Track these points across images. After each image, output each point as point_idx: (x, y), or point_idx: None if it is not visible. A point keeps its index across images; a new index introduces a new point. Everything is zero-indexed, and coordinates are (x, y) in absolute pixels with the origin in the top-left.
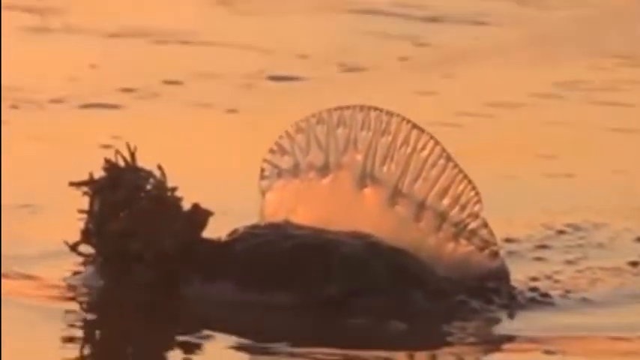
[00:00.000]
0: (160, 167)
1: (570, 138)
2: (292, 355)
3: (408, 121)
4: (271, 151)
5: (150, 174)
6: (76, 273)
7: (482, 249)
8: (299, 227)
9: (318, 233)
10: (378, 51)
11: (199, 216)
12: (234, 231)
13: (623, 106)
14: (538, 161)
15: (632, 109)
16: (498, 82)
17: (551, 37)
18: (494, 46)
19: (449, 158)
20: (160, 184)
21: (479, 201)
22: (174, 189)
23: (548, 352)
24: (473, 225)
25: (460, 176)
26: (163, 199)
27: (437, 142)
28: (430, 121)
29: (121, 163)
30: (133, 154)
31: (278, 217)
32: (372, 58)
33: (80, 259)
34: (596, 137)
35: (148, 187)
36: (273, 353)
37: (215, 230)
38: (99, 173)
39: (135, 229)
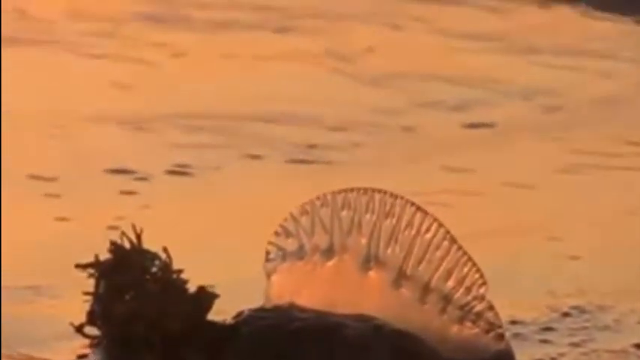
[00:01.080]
0: (165, 249)
1: (575, 219)
2: None
3: (412, 204)
4: (276, 233)
5: (155, 256)
6: (82, 356)
7: (487, 331)
8: (303, 310)
9: (322, 316)
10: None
11: (205, 298)
12: (240, 313)
13: (626, 187)
14: (543, 242)
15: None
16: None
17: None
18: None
19: (453, 240)
20: (166, 267)
21: (484, 283)
22: (179, 271)
23: None
24: (478, 307)
25: (464, 258)
26: (169, 281)
27: (441, 224)
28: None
29: (127, 245)
30: (138, 236)
31: (283, 300)
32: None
33: (87, 342)
34: (601, 219)
35: (154, 269)
36: None
37: (221, 312)
38: (105, 255)
39: (140, 312)
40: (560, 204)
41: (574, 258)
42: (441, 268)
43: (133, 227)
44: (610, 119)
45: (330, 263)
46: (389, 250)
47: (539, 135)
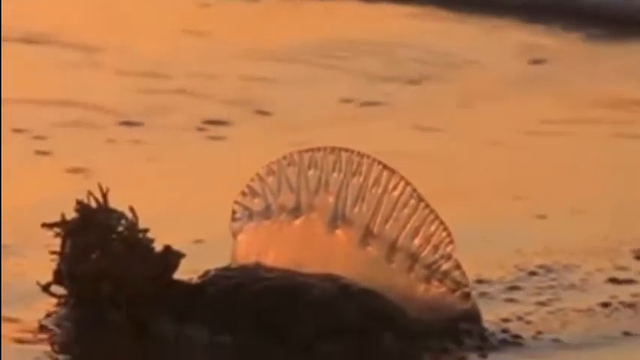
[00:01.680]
0: (131, 209)
1: (543, 178)
2: None
3: (379, 162)
4: (242, 193)
5: (122, 215)
6: (49, 314)
7: (454, 290)
8: (270, 270)
9: (289, 276)
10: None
11: (171, 258)
12: (206, 273)
13: (595, 147)
14: (510, 202)
15: (605, 150)
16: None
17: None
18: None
19: (420, 199)
20: (132, 226)
21: (451, 242)
22: (145, 230)
23: None
24: (445, 266)
25: (432, 217)
26: (135, 240)
27: (408, 183)
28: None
29: (93, 205)
30: (104, 195)
31: (250, 259)
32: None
33: (54, 301)
34: (568, 178)
35: (120, 228)
36: None
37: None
38: (71, 214)
39: (106, 271)
40: (527, 164)
41: (541, 217)
42: (408, 227)
43: (100, 186)
44: (573, 82)
45: (297, 222)
46: (356, 209)
47: (505, 97)
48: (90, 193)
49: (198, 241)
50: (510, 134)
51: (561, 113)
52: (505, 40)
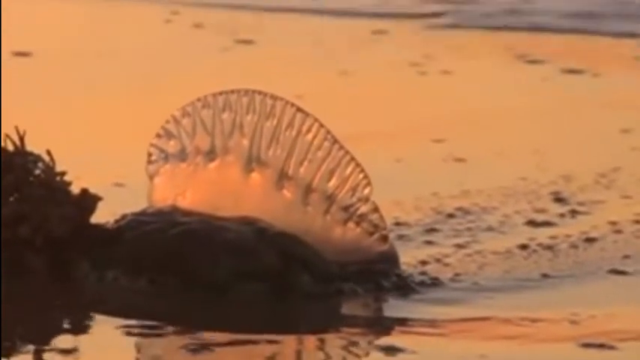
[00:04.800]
0: (48, 152)
1: (460, 121)
2: (179, 335)
3: (293, 105)
4: (158, 135)
5: (38, 158)
6: None
7: (371, 233)
8: (186, 213)
9: (206, 220)
10: None
11: (88, 201)
12: (123, 217)
13: (513, 91)
14: (428, 145)
15: (523, 93)
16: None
17: None
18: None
19: (334, 141)
20: (49, 169)
21: (368, 184)
22: (63, 173)
23: (437, 335)
24: (363, 209)
25: (347, 158)
26: (52, 183)
27: (321, 125)
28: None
29: (10, 148)
30: (21, 139)
31: (166, 202)
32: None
33: None
34: (486, 121)
35: (37, 171)
36: (160, 335)
37: (105, 214)
38: None
39: (24, 214)
40: (446, 106)
41: (459, 160)
42: (323, 169)
43: (16, 129)
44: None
45: (213, 165)
46: (270, 152)
47: (420, 36)
48: (7, 136)
49: (116, 184)
50: (430, 75)
51: (482, 57)
52: None
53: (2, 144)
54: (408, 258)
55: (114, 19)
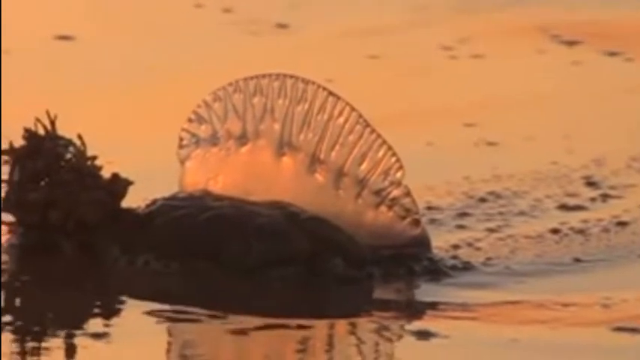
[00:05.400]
0: (79, 136)
1: (492, 105)
2: (210, 320)
3: (324, 89)
4: (189, 119)
5: (69, 142)
6: None
7: (403, 217)
8: (217, 198)
9: (237, 204)
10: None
11: (119, 185)
12: (153, 202)
13: (545, 75)
14: (460, 129)
15: (555, 77)
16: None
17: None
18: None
19: (366, 124)
20: (80, 153)
21: (400, 167)
22: (94, 158)
23: (469, 319)
24: (395, 193)
25: (379, 142)
26: (83, 168)
27: (353, 109)
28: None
29: (41, 132)
30: (52, 123)
31: (197, 186)
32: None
33: (3, 228)
34: (518, 105)
35: (68, 155)
36: (191, 320)
37: (136, 198)
38: (19, 142)
39: (55, 199)
40: (478, 90)
41: (491, 144)
42: (355, 152)
43: (47, 113)
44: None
45: (244, 149)
46: (302, 136)
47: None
48: (38, 120)
49: (147, 169)
50: (461, 59)
51: (513, 41)
52: None
53: (33, 128)
54: (440, 242)
55: (144, 2)
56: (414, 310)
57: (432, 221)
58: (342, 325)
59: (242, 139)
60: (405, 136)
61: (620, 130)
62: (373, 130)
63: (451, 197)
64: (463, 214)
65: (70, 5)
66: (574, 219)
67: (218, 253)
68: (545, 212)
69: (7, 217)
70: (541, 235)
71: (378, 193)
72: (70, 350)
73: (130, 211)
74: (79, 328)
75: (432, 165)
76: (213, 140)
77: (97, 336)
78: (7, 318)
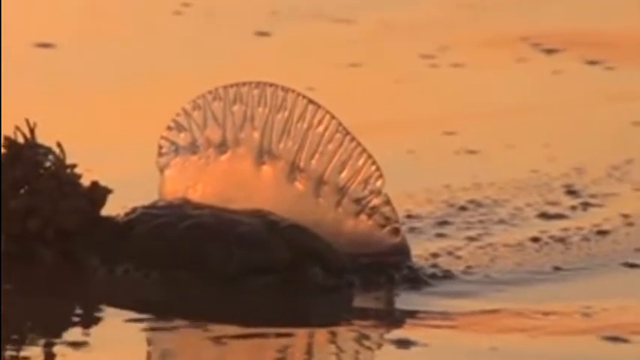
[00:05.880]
0: (58, 144)
1: (472, 114)
2: (190, 329)
3: (304, 97)
4: (168, 127)
5: (49, 150)
6: None
7: (383, 226)
8: (197, 206)
9: (217, 213)
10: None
11: (98, 193)
12: (133, 210)
13: (525, 83)
14: (440, 137)
15: (535, 85)
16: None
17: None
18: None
19: (346, 132)
20: (59, 161)
21: (380, 176)
22: (73, 166)
23: (449, 327)
24: (375, 201)
25: (359, 150)
26: (62, 176)
27: (333, 117)
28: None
29: (20, 140)
30: (32, 131)
31: (177, 195)
32: None
33: None
34: (499, 114)
35: (47, 163)
36: (171, 328)
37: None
38: None
39: (35, 207)
40: (457, 99)
41: (471, 152)
42: (335, 161)
43: (27, 122)
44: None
45: (224, 157)
46: (282, 144)
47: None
48: (17, 128)
49: (126, 177)
50: (441, 68)
51: (494, 50)
52: None
53: (12, 136)
54: (420, 250)
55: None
56: (394, 318)
57: (412, 229)
58: (321, 333)
59: (222, 147)
60: (385, 145)
61: (601, 139)
62: (353, 139)
63: (431, 205)
64: (443, 223)
65: (50, 13)
66: (554, 227)
67: (198, 262)
68: (525, 221)
69: None
70: (521, 244)
71: (357, 201)
72: (49, 359)
73: (109, 220)
74: (59, 336)
75: (412, 173)
76: (193, 148)
77: (77, 345)
78: None
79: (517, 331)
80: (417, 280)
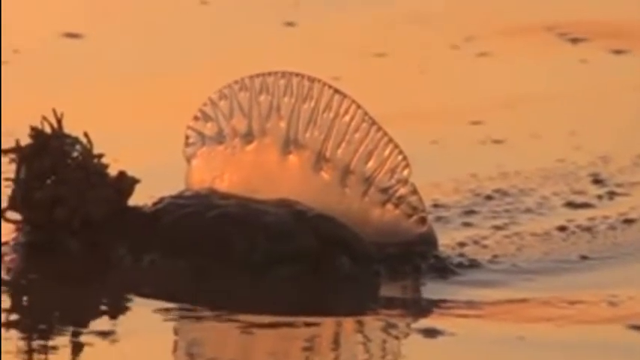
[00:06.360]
0: (86, 134)
1: (498, 103)
2: (217, 318)
3: (330, 87)
4: (195, 117)
5: (76, 140)
6: (5, 241)
7: (410, 215)
8: (224, 196)
9: (243, 202)
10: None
11: (125, 183)
12: (160, 200)
13: (551, 73)
14: (466, 127)
15: (561, 75)
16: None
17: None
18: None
19: (372, 122)
20: (86, 151)
21: (407, 165)
22: (100, 156)
23: (476, 317)
24: (401, 191)
25: (385, 140)
26: (90, 166)
27: (359, 106)
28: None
29: (48, 130)
30: (59, 121)
31: (204, 184)
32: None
33: (10, 226)
34: (524, 103)
35: (75, 154)
36: (198, 318)
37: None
38: (26, 140)
39: (61, 197)
40: (484, 88)
41: (497, 142)
42: (361, 150)
43: (54, 112)
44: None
45: (250, 147)
46: (308, 134)
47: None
48: (44, 118)
49: (153, 167)
50: (467, 58)
51: (519, 40)
52: None
53: (40, 126)
54: (447, 240)
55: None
56: (421, 307)
57: (439, 219)
58: (348, 322)
59: (248, 137)
60: (411, 134)
61: (627, 128)
62: (379, 128)
63: (458, 195)
64: (470, 212)
65: (77, 3)
66: (581, 216)
67: (224, 252)
68: (551, 210)
69: (14, 216)
70: (548, 233)
71: (384, 191)
72: (76, 348)
73: (136, 210)
74: (85, 326)
75: (438, 163)
76: (219, 138)
77: (103, 334)
78: (13, 316)
79: (544, 320)
80: (443, 270)
